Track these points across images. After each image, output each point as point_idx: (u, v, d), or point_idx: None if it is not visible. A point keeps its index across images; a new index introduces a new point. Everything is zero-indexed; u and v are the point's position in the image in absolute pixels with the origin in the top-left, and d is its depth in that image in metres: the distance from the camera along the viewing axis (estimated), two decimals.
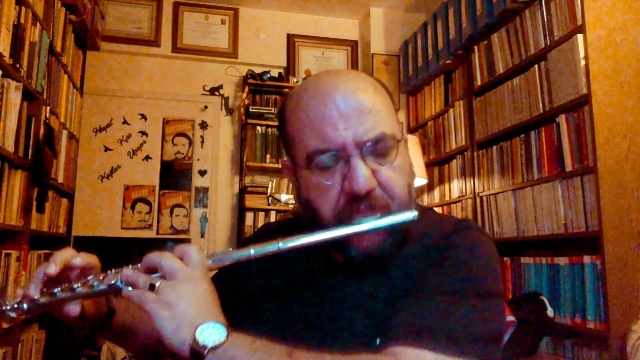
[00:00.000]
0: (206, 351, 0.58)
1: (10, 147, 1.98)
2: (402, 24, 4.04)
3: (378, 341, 0.68)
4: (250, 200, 3.64)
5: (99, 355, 3.06)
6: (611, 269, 1.92)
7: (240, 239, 3.68)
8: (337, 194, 0.72)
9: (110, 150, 3.72)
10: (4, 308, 0.71)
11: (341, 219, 0.72)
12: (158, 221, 3.72)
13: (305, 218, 0.79)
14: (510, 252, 2.54)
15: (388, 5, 4.00)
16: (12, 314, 0.71)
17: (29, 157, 2.22)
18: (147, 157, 3.78)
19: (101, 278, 0.70)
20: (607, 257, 1.93)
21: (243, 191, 3.68)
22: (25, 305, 0.71)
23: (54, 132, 2.44)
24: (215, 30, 4.00)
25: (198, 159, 3.86)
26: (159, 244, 3.60)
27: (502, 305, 0.73)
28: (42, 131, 2.33)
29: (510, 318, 0.90)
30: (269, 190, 3.71)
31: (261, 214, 3.66)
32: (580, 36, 2.12)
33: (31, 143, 2.23)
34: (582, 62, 2.09)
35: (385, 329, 0.68)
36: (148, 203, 3.73)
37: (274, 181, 3.76)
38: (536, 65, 2.41)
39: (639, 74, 2.07)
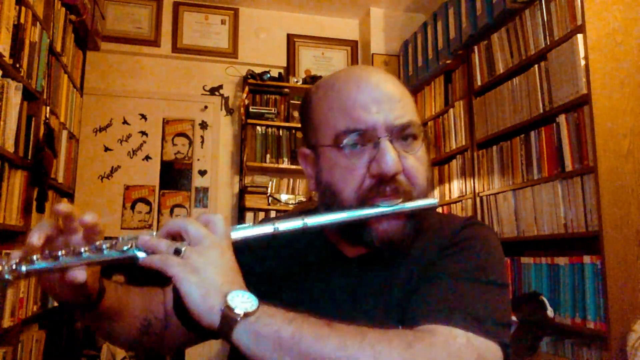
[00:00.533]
0: (239, 317, 0.57)
1: (10, 147, 1.99)
2: (402, 24, 4.04)
3: (400, 328, 0.69)
4: (250, 200, 3.64)
5: (98, 355, 3.06)
6: (611, 269, 1.92)
7: None
8: (362, 175, 0.73)
9: (110, 150, 3.72)
10: None
11: (363, 202, 0.73)
12: (158, 221, 3.72)
13: (322, 204, 0.79)
14: (510, 252, 2.54)
15: (388, 5, 4.00)
16: (8, 276, 0.61)
17: (29, 157, 2.22)
18: (147, 157, 3.78)
19: (114, 243, 0.64)
20: (607, 257, 1.93)
21: (243, 191, 3.69)
22: (23, 268, 0.61)
23: (54, 132, 2.44)
24: (215, 30, 4.00)
25: (198, 159, 3.86)
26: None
27: (509, 295, 0.77)
28: (42, 131, 2.33)
29: (512, 318, 0.90)
30: (269, 190, 3.71)
31: (261, 214, 3.66)
32: (580, 36, 2.11)
33: (31, 143, 2.23)
34: (582, 62, 2.09)
35: (405, 316, 0.69)
36: (148, 203, 3.73)
37: (274, 181, 3.76)
38: (536, 65, 2.41)
39: (639, 74, 2.07)
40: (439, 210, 3.42)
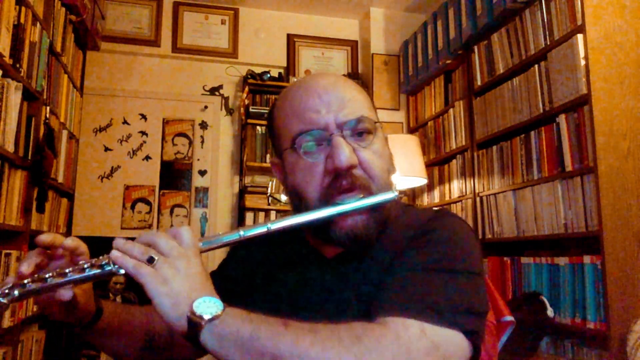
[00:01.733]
0: (204, 322, 0.61)
1: (10, 147, 1.98)
2: (402, 24, 4.04)
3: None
4: (250, 200, 3.64)
5: (98, 355, 3.06)
6: (611, 269, 1.92)
7: None
8: (321, 173, 0.77)
9: (110, 150, 3.72)
10: None
11: (326, 200, 0.76)
12: (158, 221, 3.72)
13: (292, 207, 0.82)
14: (510, 252, 2.54)
15: (388, 5, 4.00)
16: (3, 300, 0.68)
17: (29, 157, 2.22)
18: (147, 157, 3.78)
19: (93, 262, 0.69)
20: (607, 257, 1.93)
21: (243, 191, 3.68)
22: (16, 292, 0.68)
23: (54, 132, 2.44)
24: (215, 30, 4.00)
25: (198, 159, 3.86)
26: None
27: (483, 284, 0.76)
28: (42, 131, 2.33)
29: (510, 318, 0.90)
30: (269, 190, 3.71)
31: (261, 214, 3.66)
32: (580, 36, 2.12)
33: (31, 143, 2.23)
34: (582, 62, 2.09)
35: (372, 310, 0.70)
36: (148, 203, 3.73)
37: (274, 181, 3.75)
38: (536, 65, 2.41)
39: (639, 74, 2.07)
40: (436, 209, 3.41)
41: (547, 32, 2.36)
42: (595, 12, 2.09)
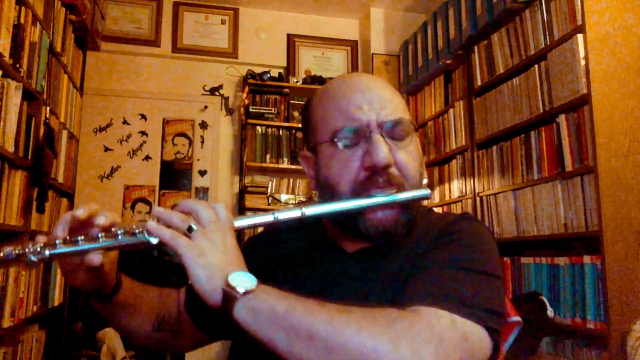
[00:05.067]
0: (239, 295, 0.61)
1: (10, 147, 1.98)
2: (402, 24, 4.04)
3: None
4: (250, 200, 3.64)
5: (98, 355, 3.06)
6: (611, 269, 1.92)
7: (241, 239, 3.68)
8: (357, 168, 0.78)
9: (110, 150, 3.72)
10: (26, 251, 0.67)
11: (359, 193, 0.77)
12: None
13: (321, 201, 0.83)
14: (510, 252, 2.54)
15: (388, 5, 4.00)
16: (34, 258, 0.67)
17: (29, 157, 2.22)
18: (147, 157, 3.78)
19: (127, 229, 0.68)
20: (607, 257, 1.93)
21: (243, 191, 3.69)
22: (47, 252, 0.67)
23: (54, 132, 2.44)
24: (215, 30, 4.00)
25: (198, 159, 3.86)
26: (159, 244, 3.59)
27: (503, 288, 0.77)
28: (42, 131, 2.33)
29: (516, 318, 0.90)
30: (269, 190, 3.71)
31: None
32: (580, 36, 2.11)
33: (31, 143, 2.23)
34: (582, 62, 2.09)
35: (398, 303, 0.71)
36: (148, 203, 3.73)
37: (274, 181, 3.76)
38: (536, 65, 2.41)
39: (639, 74, 2.07)
40: (439, 210, 3.41)
41: (547, 32, 2.36)
42: (595, 12, 2.09)
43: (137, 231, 0.67)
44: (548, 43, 2.34)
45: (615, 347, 1.86)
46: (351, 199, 0.77)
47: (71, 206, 3.15)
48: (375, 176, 0.77)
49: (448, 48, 3.24)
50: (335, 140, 0.78)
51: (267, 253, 0.90)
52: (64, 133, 2.81)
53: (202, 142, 3.88)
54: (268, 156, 3.76)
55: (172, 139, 3.84)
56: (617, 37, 2.08)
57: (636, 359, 1.76)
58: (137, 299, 0.87)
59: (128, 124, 3.78)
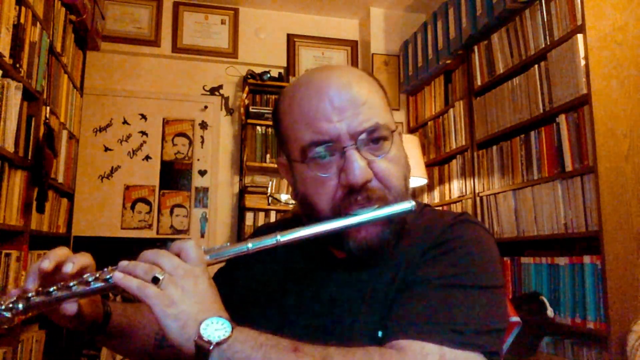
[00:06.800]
0: (211, 347, 0.58)
1: (10, 147, 1.98)
2: (402, 24, 4.04)
3: (380, 333, 0.68)
4: (250, 200, 3.64)
5: (98, 355, 3.06)
6: (611, 269, 1.92)
7: (241, 239, 3.67)
8: (334, 187, 0.72)
9: (110, 150, 3.72)
10: None
11: (338, 212, 0.72)
12: (158, 221, 3.72)
13: (303, 214, 0.79)
14: (510, 252, 2.54)
15: (388, 5, 4.00)
16: (7, 314, 0.67)
17: (29, 157, 2.22)
18: (147, 157, 3.78)
19: (97, 275, 0.67)
20: (607, 257, 1.93)
21: (243, 191, 3.68)
22: (20, 305, 0.67)
23: (54, 132, 2.44)
24: (215, 30, 4.00)
25: (198, 159, 3.86)
26: (159, 244, 3.59)
27: (504, 296, 0.73)
28: (42, 131, 2.33)
29: (515, 319, 0.89)
30: (269, 190, 3.71)
31: (261, 214, 3.66)
32: (580, 36, 2.11)
33: (31, 143, 2.23)
34: (582, 62, 2.09)
35: (386, 321, 0.68)
36: (148, 203, 3.72)
37: (274, 181, 3.76)
38: (536, 65, 2.41)
39: (639, 74, 2.07)
40: (440, 208, 3.40)
41: (547, 32, 2.36)
42: (595, 12, 2.09)
43: (108, 277, 0.66)
44: (548, 43, 2.34)
45: (615, 347, 1.86)
46: (331, 220, 0.71)
47: (71, 206, 3.15)
48: (354, 194, 0.71)
49: (448, 48, 3.24)
50: (307, 161, 0.73)
51: (257, 254, 0.87)
52: (64, 133, 2.81)
53: (202, 142, 3.88)
54: (268, 156, 3.76)
55: (172, 139, 3.84)
56: (617, 37, 2.08)
57: (636, 359, 1.76)
58: (132, 322, 0.84)
59: (128, 124, 3.78)
